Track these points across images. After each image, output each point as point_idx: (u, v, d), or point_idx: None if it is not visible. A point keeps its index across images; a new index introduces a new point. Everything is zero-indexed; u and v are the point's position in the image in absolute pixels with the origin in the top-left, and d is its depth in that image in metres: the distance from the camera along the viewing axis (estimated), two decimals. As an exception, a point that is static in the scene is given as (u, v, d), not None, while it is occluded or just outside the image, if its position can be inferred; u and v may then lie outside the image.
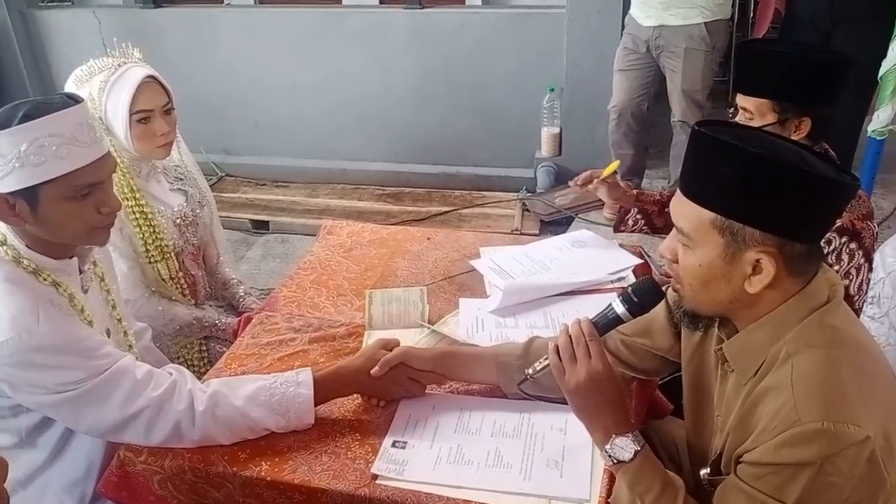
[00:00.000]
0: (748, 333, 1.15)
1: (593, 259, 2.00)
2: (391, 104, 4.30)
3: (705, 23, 3.21)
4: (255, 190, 4.45)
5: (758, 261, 1.07)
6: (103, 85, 1.85)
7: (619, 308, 1.29)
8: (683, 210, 1.12)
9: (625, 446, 1.20)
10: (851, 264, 1.70)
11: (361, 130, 4.40)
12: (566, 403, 1.28)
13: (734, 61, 1.90)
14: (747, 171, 1.04)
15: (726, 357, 1.19)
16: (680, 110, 3.38)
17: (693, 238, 1.11)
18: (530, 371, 1.35)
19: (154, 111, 1.88)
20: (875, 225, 1.74)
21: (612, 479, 1.29)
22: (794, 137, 1.72)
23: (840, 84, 1.75)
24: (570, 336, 1.26)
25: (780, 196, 1.03)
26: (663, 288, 1.32)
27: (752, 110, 1.76)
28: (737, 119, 1.81)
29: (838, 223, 1.68)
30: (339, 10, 4.30)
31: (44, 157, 1.30)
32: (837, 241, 1.69)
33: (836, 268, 1.70)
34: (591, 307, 1.32)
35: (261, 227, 4.08)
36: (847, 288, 1.69)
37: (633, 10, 3.37)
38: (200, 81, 4.33)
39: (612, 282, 1.90)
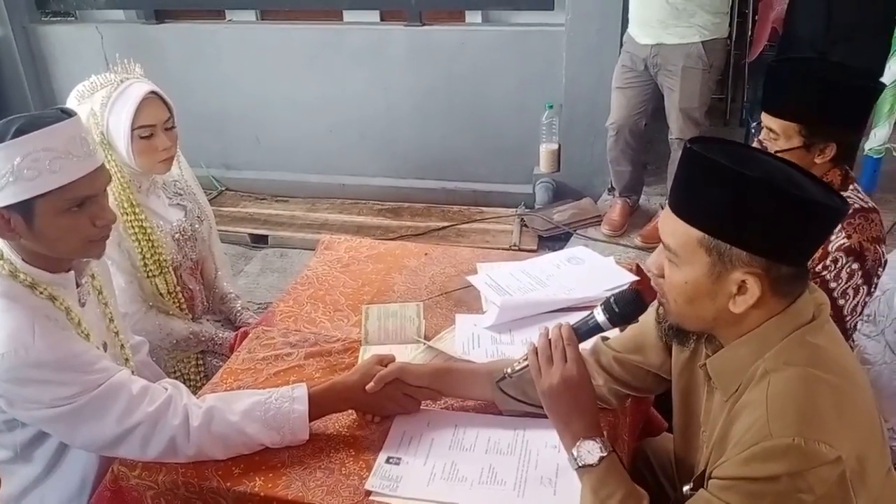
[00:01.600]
0: (731, 350, 1.15)
1: (589, 275, 2.00)
2: (391, 120, 4.32)
3: (703, 42, 3.22)
4: (254, 204, 4.46)
5: (743, 281, 1.07)
6: (105, 101, 1.86)
7: (600, 317, 1.32)
8: (672, 227, 1.12)
9: (591, 450, 1.21)
10: (849, 284, 1.68)
11: (362, 146, 4.42)
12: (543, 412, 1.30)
13: (764, 78, 1.85)
14: (738, 193, 1.03)
15: (710, 373, 1.20)
16: (678, 128, 3.39)
17: (679, 255, 1.11)
18: (509, 370, 1.38)
19: (156, 127, 1.90)
20: (883, 250, 1.70)
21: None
22: (818, 161, 1.70)
23: (870, 111, 1.70)
24: (549, 339, 1.29)
25: (769, 220, 1.03)
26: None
27: (777, 131, 1.72)
28: (761, 138, 1.78)
29: (847, 243, 1.66)
30: (339, 27, 4.32)
31: (38, 170, 1.31)
32: (843, 260, 1.67)
33: (834, 285, 1.68)
34: (586, 324, 1.34)
35: (260, 241, 4.09)
36: (841, 308, 1.68)
37: (632, 29, 3.39)
38: (201, 96, 4.36)
39: (607, 298, 1.91)
